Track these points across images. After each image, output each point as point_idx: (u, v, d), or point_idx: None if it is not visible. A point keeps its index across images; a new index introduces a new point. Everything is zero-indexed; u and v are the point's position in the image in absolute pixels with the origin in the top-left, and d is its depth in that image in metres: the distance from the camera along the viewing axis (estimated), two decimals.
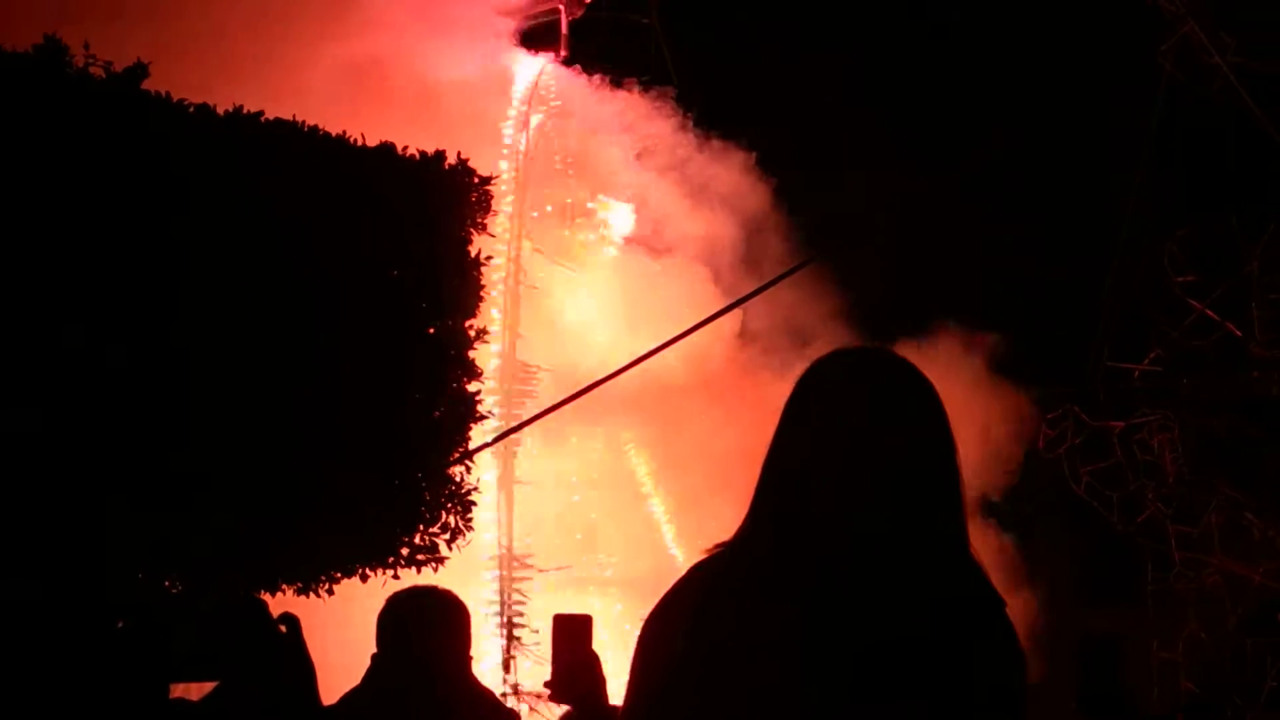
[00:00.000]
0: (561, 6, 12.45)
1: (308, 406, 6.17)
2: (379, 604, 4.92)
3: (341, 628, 6.13)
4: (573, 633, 3.63)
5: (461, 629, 4.87)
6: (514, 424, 7.98)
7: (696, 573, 2.71)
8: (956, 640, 2.53)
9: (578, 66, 12.41)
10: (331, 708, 4.49)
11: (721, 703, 2.53)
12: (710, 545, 2.75)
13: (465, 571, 7.88)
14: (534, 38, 12.33)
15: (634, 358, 8.76)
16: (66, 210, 5.58)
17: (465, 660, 4.87)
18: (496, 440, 7.61)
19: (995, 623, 2.61)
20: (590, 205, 11.93)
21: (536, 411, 8.48)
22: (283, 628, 4.13)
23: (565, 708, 3.70)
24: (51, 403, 5.50)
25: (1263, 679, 11.45)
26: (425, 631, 4.78)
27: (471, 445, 7.07)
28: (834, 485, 2.62)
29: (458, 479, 6.89)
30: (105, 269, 5.66)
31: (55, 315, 5.54)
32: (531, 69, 11.98)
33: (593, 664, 3.65)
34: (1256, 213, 11.68)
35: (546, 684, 3.67)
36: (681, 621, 2.65)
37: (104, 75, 5.83)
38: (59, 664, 3.95)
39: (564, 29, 12.62)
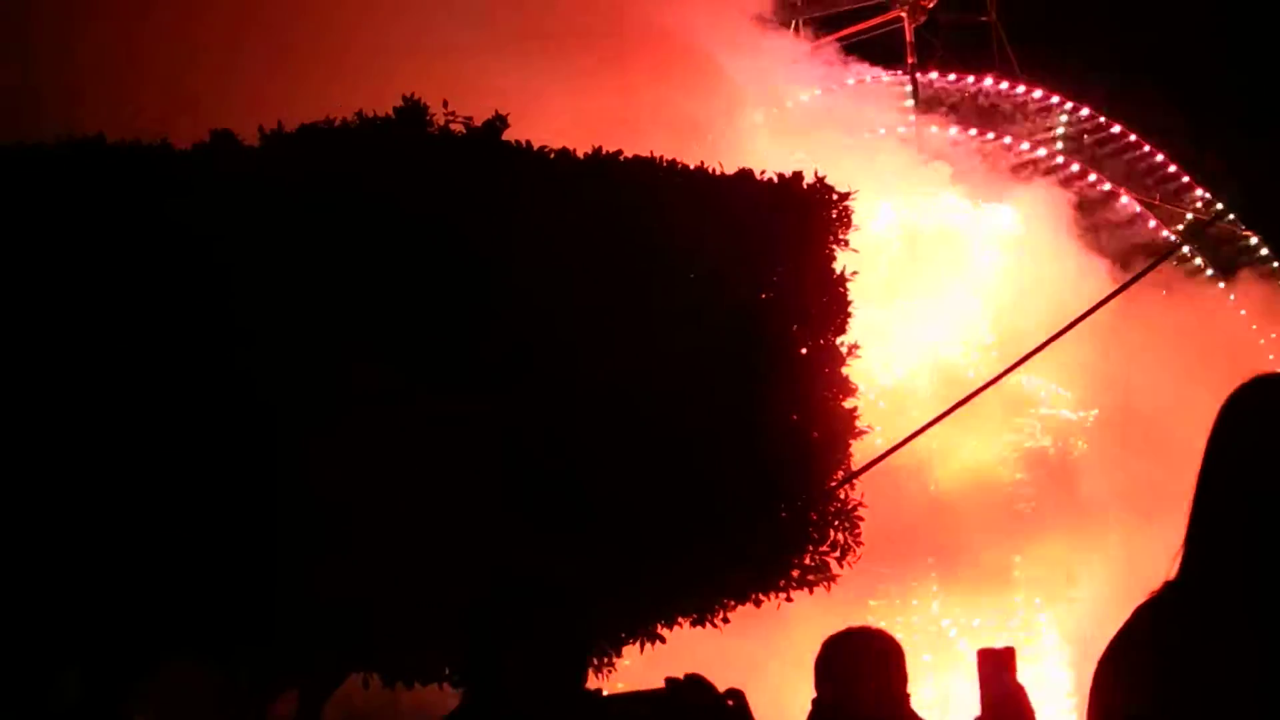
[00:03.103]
0: (904, 14, 12.24)
1: (690, 436, 6.17)
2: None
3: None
4: (998, 665, 3.56)
5: (899, 667, 4.81)
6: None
7: (1147, 613, 2.56)
8: None
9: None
10: None
11: None
12: (1156, 585, 2.60)
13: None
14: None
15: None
16: (437, 256, 5.74)
17: (904, 698, 4.80)
18: (883, 457, 7.44)
19: None
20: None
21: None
22: (730, 702, 4.13)
23: None
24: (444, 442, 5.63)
25: None
26: (867, 673, 4.72)
27: (853, 461, 6.95)
28: None
29: (843, 496, 6.80)
30: (478, 311, 5.79)
31: (416, 354, 5.69)
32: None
33: (1018, 694, 3.55)
34: None
35: (977, 719, 3.59)
36: (1141, 666, 2.50)
37: (464, 131, 5.97)
38: None
39: (909, 36, 12.40)
